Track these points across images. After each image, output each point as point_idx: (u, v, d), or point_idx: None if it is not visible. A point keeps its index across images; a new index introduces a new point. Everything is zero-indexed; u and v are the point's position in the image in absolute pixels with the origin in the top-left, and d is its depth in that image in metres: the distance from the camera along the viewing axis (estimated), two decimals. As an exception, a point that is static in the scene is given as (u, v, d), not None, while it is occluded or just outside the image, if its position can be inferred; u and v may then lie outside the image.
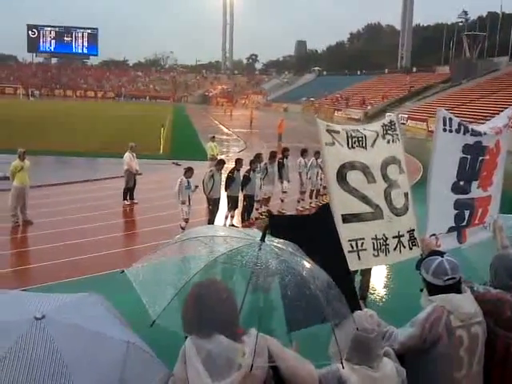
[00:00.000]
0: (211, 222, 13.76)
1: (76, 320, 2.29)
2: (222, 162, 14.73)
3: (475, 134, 5.43)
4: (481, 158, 5.54)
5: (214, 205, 14.10)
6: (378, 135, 5.09)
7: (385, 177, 4.98)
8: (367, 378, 3.07)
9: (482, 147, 5.51)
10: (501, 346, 3.91)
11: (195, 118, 61.99)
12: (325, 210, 4.17)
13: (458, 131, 5.28)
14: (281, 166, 16.89)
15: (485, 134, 5.54)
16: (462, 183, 5.44)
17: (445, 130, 5.21)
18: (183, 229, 12.78)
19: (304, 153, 17.59)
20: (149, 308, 2.95)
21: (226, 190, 14.69)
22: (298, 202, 17.41)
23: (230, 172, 15.03)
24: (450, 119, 5.26)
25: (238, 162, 15.18)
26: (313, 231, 3.78)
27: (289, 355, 3.06)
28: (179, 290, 2.98)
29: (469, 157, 5.40)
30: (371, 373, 3.09)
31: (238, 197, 15.00)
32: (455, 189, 5.40)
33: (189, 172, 13.43)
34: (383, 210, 4.91)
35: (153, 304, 2.98)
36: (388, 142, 5.17)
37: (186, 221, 13.29)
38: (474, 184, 5.58)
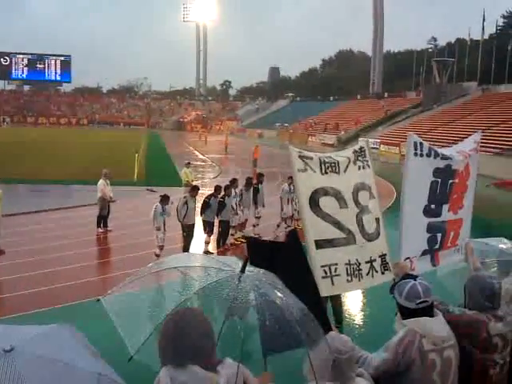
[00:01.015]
0: (186, 248, 13.68)
1: (46, 352, 2.26)
2: (196, 189, 14.69)
3: (445, 157, 5.53)
4: (450, 181, 5.63)
5: (188, 231, 14.03)
6: (349, 161, 5.17)
7: (356, 202, 5.03)
8: None
9: (451, 170, 5.61)
10: (478, 368, 3.94)
11: (170, 144, 61.92)
12: (293, 237, 4.17)
13: (428, 155, 5.37)
14: (255, 191, 16.93)
15: (454, 157, 5.63)
16: (433, 206, 5.51)
17: (416, 154, 5.29)
18: (158, 256, 12.69)
19: (290, 179, 17.45)
20: (127, 342, 2.91)
21: (201, 215, 14.65)
22: (278, 226, 17.20)
23: (206, 197, 15.01)
24: (421, 143, 5.34)
25: (217, 188, 15.19)
26: (286, 258, 3.79)
27: None
28: (158, 324, 2.95)
29: (439, 180, 5.49)
30: None
31: (213, 222, 14.95)
32: (427, 212, 5.47)
33: (164, 200, 13.44)
34: (355, 235, 4.95)
35: (130, 338, 2.94)
36: (359, 168, 5.25)
37: (161, 248, 13.22)
38: (445, 207, 5.66)
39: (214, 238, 15.16)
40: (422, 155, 5.33)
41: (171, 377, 2.83)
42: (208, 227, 14.76)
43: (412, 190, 5.35)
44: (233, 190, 15.73)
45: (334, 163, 5.01)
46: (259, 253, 3.78)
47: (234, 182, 16.44)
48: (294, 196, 16.50)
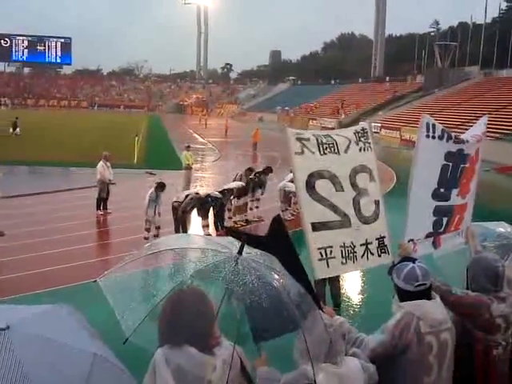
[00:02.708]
0: (177, 230, 13.65)
1: (42, 331, 2.25)
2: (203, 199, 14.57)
3: (458, 141, 5.44)
4: (462, 165, 5.55)
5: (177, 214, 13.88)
6: (350, 142, 5.12)
7: (353, 185, 5.01)
8: (333, 374, 3.11)
9: (463, 155, 5.53)
10: (480, 349, 3.96)
11: (170, 127, 61.75)
12: (277, 225, 4.11)
13: (440, 138, 5.26)
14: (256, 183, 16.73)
15: (467, 141, 5.56)
16: (442, 190, 5.44)
17: (428, 136, 5.18)
18: (146, 238, 12.98)
19: None
20: (122, 324, 2.90)
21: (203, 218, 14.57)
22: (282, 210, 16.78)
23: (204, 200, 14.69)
24: (434, 125, 5.22)
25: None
26: (272, 247, 3.75)
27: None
28: (154, 306, 2.94)
29: (450, 164, 5.40)
30: (336, 369, 3.12)
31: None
32: (435, 195, 5.40)
33: (160, 187, 13.44)
34: (351, 218, 4.94)
35: (126, 320, 2.93)
36: (360, 149, 5.21)
37: (158, 228, 13.41)
38: (455, 192, 5.59)
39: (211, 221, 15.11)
40: (433, 137, 5.21)
41: (167, 358, 2.84)
42: (202, 212, 14.59)
43: (421, 172, 5.25)
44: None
45: (333, 143, 4.97)
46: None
47: (251, 170, 16.84)
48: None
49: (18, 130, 42.28)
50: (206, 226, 14.56)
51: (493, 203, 19.22)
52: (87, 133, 45.33)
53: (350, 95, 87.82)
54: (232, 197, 15.35)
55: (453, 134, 5.43)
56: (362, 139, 5.25)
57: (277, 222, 4.08)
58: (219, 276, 3.02)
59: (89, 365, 2.20)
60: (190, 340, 2.85)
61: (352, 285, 10.75)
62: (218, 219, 15.04)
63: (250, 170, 17.02)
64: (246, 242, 3.32)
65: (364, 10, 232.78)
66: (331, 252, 4.78)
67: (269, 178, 17.44)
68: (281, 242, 3.83)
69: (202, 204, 14.33)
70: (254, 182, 16.56)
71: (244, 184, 15.97)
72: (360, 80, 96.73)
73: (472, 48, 73.16)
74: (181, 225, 13.78)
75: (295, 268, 3.69)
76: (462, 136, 5.71)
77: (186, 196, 14.04)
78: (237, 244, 3.22)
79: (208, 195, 14.71)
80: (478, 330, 3.96)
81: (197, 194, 14.37)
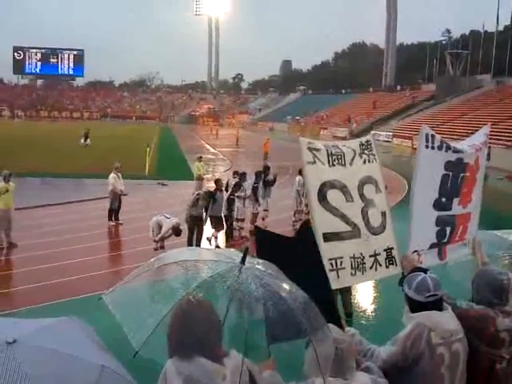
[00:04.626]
0: (190, 240, 13.69)
1: (49, 344, 2.25)
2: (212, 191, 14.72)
3: (457, 150, 5.46)
4: (462, 174, 5.56)
5: (191, 222, 13.92)
6: (355, 153, 5.13)
7: (362, 196, 5.00)
8: None
9: (463, 164, 5.54)
10: (485, 363, 3.90)
11: (181, 137, 62.00)
12: (305, 231, 4.13)
13: (440, 148, 5.30)
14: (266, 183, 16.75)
15: (465, 151, 5.57)
16: (443, 200, 5.45)
17: (427, 146, 5.22)
18: (156, 249, 13.12)
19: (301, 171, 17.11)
20: (131, 338, 2.89)
21: (205, 211, 14.50)
22: (296, 221, 16.82)
23: (210, 193, 14.86)
24: (433, 136, 5.26)
25: (218, 182, 15.24)
26: (297, 251, 3.76)
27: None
28: (162, 319, 2.93)
29: (450, 173, 5.42)
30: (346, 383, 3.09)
31: (220, 217, 14.87)
32: (437, 205, 5.41)
33: (175, 233, 13.51)
34: (361, 228, 4.92)
35: (134, 334, 2.92)
36: (364, 161, 5.20)
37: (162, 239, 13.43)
38: (456, 201, 5.58)
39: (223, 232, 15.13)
40: (433, 148, 5.25)
41: (178, 369, 2.83)
42: (216, 223, 14.69)
43: (422, 182, 5.28)
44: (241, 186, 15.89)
45: (341, 155, 4.97)
46: (267, 245, 3.78)
47: (243, 174, 16.65)
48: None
49: (88, 140, 45.13)
50: (215, 237, 14.60)
51: (506, 211, 19.09)
52: (99, 144, 45.39)
53: (361, 104, 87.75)
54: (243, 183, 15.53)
55: (451, 144, 5.45)
56: (366, 151, 5.25)
57: (306, 226, 4.10)
58: (224, 286, 3.02)
59: (96, 377, 2.20)
60: (199, 350, 2.85)
61: (363, 295, 10.70)
62: (228, 231, 15.09)
63: (239, 173, 17.10)
64: (258, 250, 3.33)
65: (375, 19, 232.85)
66: (341, 263, 4.76)
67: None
68: (308, 246, 3.84)
69: (210, 197, 14.43)
70: (266, 181, 16.60)
71: (238, 179, 16.14)
72: (371, 89, 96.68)
73: (484, 56, 72.91)
74: (189, 232, 13.85)
75: (319, 274, 3.70)
76: (460, 145, 5.71)
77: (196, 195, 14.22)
78: (239, 255, 3.22)
79: (212, 193, 14.88)
80: (483, 344, 3.91)
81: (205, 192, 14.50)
